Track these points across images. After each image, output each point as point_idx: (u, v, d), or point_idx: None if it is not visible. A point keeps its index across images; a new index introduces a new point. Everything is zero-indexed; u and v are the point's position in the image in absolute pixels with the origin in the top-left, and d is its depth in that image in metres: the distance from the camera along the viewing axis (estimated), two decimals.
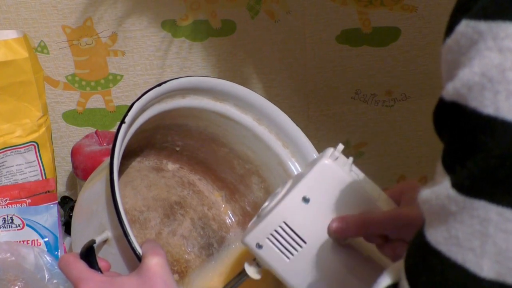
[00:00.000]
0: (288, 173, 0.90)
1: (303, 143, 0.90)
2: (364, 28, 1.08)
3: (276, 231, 0.71)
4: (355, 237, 0.73)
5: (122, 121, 0.75)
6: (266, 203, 0.75)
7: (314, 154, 0.90)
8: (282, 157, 0.91)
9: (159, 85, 0.81)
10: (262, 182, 0.94)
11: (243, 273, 0.77)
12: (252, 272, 0.76)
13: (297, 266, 0.72)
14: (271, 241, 0.71)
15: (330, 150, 0.73)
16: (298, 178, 0.74)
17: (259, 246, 0.72)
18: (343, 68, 1.12)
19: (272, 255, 0.72)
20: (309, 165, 0.76)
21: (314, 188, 0.70)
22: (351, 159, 0.74)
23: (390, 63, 1.11)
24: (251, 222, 0.77)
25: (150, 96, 0.80)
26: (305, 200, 0.70)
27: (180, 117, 0.89)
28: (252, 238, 0.72)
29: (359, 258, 0.73)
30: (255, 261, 0.75)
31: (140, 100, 0.78)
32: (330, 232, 0.71)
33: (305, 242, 0.71)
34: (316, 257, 0.71)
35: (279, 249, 0.71)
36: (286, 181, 0.76)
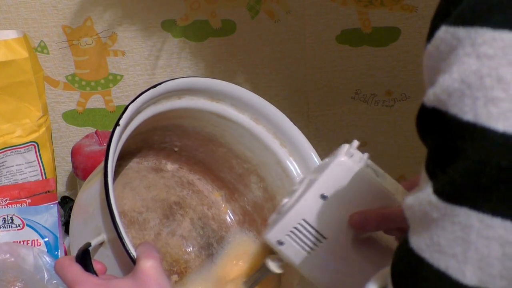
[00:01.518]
0: (286, 172, 0.90)
1: (301, 141, 0.90)
2: (364, 28, 1.08)
3: (296, 228, 0.73)
4: (374, 231, 0.74)
5: (117, 124, 0.75)
6: (286, 200, 0.77)
7: (311, 152, 0.90)
8: (280, 156, 0.91)
9: (154, 86, 0.81)
10: (261, 181, 0.94)
11: (265, 267, 0.80)
12: (274, 266, 0.79)
13: (319, 260, 0.74)
14: (291, 237, 0.74)
15: (345, 147, 0.75)
16: (315, 174, 0.75)
17: (280, 243, 0.74)
18: (343, 68, 1.12)
19: (293, 251, 0.74)
20: (325, 162, 0.77)
21: (331, 186, 0.72)
22: (366, 154, 0.75)
23: (390, 63, 1.11)
24: (271, 218, 0.79)
25: (146, 97, 0.80)
26: (323, 197, 0.72)
27: (177, 118, 0.89)
28: (273, 235, 0.75)
29: (378, 250, 0.75)
30: (277, 256, 0.78)
31: (135, 102, 0.78)
32: (350, 226, 0.72)
33: (325, 238, 0.73)
34: (336, 251, 0.74)
35: (300, 245, 0.74)
36: (304, 177, 0.78)
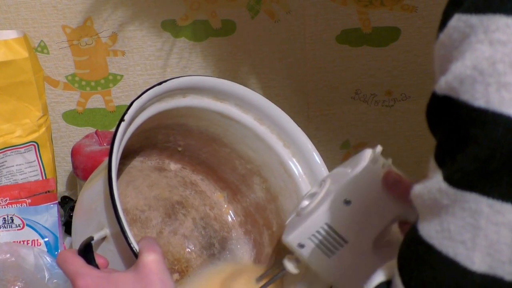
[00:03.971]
0: (289, 173, 0.90)
1: (304, 143, 0.90)
2: (364, 28, 1.08)
3: (318, 231, 0.73)
4: (399, 196, 0.72)
5: (122, 119, 0.75)
6: (306, 203, 0.77)
7: (314, 153, 0.90)
8: (283, 157, 0.91)
9: (159, 84, 0.81)
10: (264, 182, 0.94)
11: (281, 267, 0.80)
12: (291, 267, 0.79)
13: (338, 264, 0.74)
14: (312, 241, 0.74)
15: (369, 152, 0.75)
16: (338, 178, 0.75)
17: (301, 245, 0.74)
18: (343, 68, 1.12)
19: (313, 254, 0.74)
20: (348, 165, 0.77)
21: (355, 191, 0.72)
22: (390, 160, 0.74)
23: (390, 63, 1.11)
24: (289, 220, 0.79)
25: (150, 94, 0.80)
26: (347, 202, 0.72)
27: (180, 117, 0.89)
28: (294, 238, 0.75)
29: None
30: (294, 256, 0.78)
31: (140, 98, 0.78)
32: (383, 182, 0.72)
33: (346, 242, 0.73)
34: (356, 255, 0.74)
35: (320, 248, 0.74)
36: (324, 180, 0.78)
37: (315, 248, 0.74)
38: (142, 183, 0.95)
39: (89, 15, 1.06)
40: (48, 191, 1.07)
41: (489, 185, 0.42)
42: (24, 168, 1.11)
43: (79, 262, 0.68)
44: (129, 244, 0.70)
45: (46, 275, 0.93)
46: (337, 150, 1.19)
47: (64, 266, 0.68)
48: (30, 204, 1.04)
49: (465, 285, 0.44)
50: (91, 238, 0.71)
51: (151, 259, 0.67)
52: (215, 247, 0.96)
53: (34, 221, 1.02)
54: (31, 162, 1.11)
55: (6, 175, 1.10)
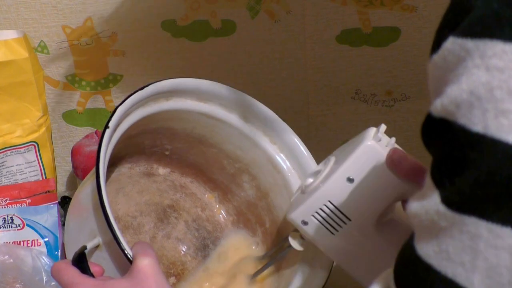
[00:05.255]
0: (278, 168, 0.90)
1: (290, 137, 0.90)
2: (364, 28, 1.08)
3: (321, 209, 0.74)
4: (402, 175, 0.72)
5: (106, 126, 0.76)
6: (310, 180, 0.77)
7: (302, 147, 0.90)
8: (270, 153, 0.91)
9: (141, 88, 0.81)
10: (253, 180, 0.94)
11: (286, 244, 0.81)
12: (296, 244, 0.80)
13: (342, 241, 0.75)
14: (316, 218, 0.75)
15: (372, 130, 0.75)
16: (342, 156, 0.76)
17: (305, 222, 0.75)
18: (343, 68, 1.11)
19: (317, 231, 0.75)
20: (351, 143, 0.78)
21: (358, 169, 0.73)
22: (393, 139, 0.75)
23: (390, 63, 1.10)
24: (294, 197, 0.81)
25: (133, 100, 0.80)
26: (350, 180, 0.73)
27: (166, 120, 0.89)
28: (298, 215, 0.76)
29: (400, 233, 0.75)
30: (299, 234, 0.79)
31: (123, 104, 0.79)
32: (387, 162, 0.72)
33: (349, 219, 0.74)
34: (360, 233, 0.75)
35: (324, 226, 0.75)
36: (329, 158, 0.78)
37: (318, 225, 0.75)
38: (132, 189, 0.95)
39: (89, 15, 1.06)
40: (48, 191, 1.07)
41: (489, 209, 0.42)
42: (24, 168, 1.11)
43: (73, 272, 0.68)
44: (123, 251, 0.70)
45: (44, 277, 0.93)
46: None
47: (59, 277, 0.69)
48: (30, 204, 1.04)
49: None
50: (84, 247, 0.72)
51: (145, 264, 0.67)
52: (209, 248, 0.97)
53: (34, 221, 1.02)
54: (31, 162, 1.11)
55: (6, 175, 1.10)
